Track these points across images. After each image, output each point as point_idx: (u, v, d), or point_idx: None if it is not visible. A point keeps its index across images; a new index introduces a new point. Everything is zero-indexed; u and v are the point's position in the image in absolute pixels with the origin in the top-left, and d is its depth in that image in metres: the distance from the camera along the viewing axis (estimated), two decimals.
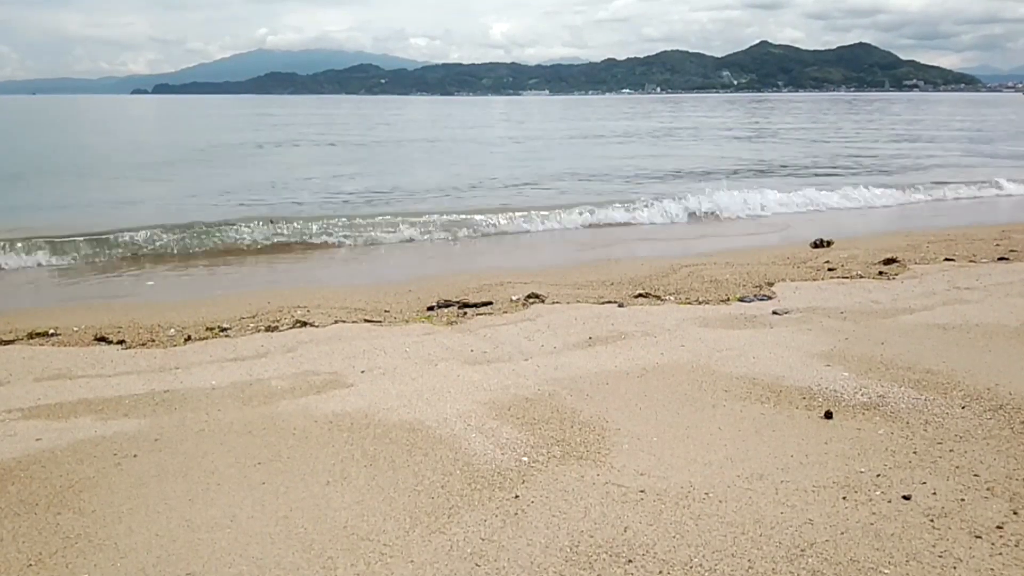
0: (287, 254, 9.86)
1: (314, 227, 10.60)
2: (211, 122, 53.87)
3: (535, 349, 5.17)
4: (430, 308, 6.61)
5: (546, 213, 11.65)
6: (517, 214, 11.50)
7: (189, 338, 5.66)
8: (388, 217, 11.04)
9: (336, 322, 6.04)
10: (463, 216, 11.23)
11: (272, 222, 10.50)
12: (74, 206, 13.14)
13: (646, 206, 12.11)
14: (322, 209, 12.66)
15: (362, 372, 4.73)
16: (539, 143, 30.73)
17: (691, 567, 2.62)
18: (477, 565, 2.66)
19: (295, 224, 10.65)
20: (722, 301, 6.58)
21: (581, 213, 11.74)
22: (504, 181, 16.84)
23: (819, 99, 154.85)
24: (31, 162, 21.67)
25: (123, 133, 38.78)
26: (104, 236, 9.62)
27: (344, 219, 11.03)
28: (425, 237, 10.50)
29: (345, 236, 10.35)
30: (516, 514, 2.99)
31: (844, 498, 3.07)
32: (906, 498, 3.06)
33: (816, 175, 18.38)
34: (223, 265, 9.21)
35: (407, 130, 41.93)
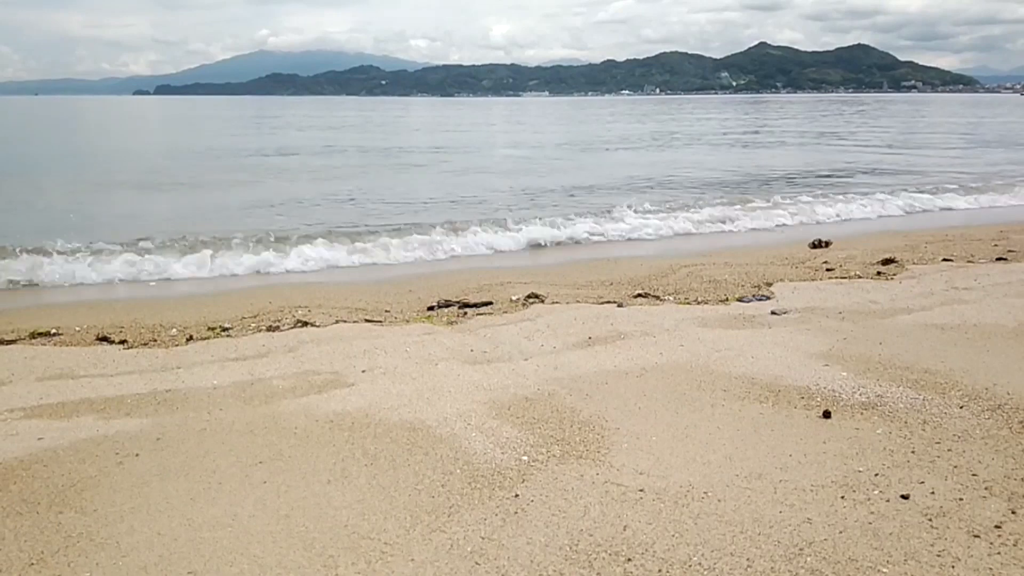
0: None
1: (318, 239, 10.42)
2: (212, 126, 51.11)
3: (535, 349, 5.19)
4: (430, 308, 6.62)
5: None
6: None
7: (191, 338, 5.68)
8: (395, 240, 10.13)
9: (337, 322, 6.06)
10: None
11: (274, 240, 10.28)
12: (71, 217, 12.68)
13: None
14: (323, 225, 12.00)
15: (363, 372, 4.75)
16: (550, 152, 28.24)
17: (690, 565, 2.64)
18: (477, 563, 2.68)
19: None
20: (721, 301, 6.60)
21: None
22: (507, 199, 15.19)
23: (821, 100, 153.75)
24: (31, 167, 21.50)
25: (123, 139, 37.02)
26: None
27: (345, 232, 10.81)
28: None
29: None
30: (516, 513, 3.01)
31: (842, 497, 3.08)
32: (904, 497, 3.07)
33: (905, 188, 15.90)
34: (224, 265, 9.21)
35: (410, 136, 39.76)
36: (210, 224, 11.29)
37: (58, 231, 9.76)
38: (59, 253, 8.71)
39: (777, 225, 12.08)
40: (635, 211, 12.24)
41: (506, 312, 6.34)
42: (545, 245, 10.29)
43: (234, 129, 46.10)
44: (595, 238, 10.75)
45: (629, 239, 10.89)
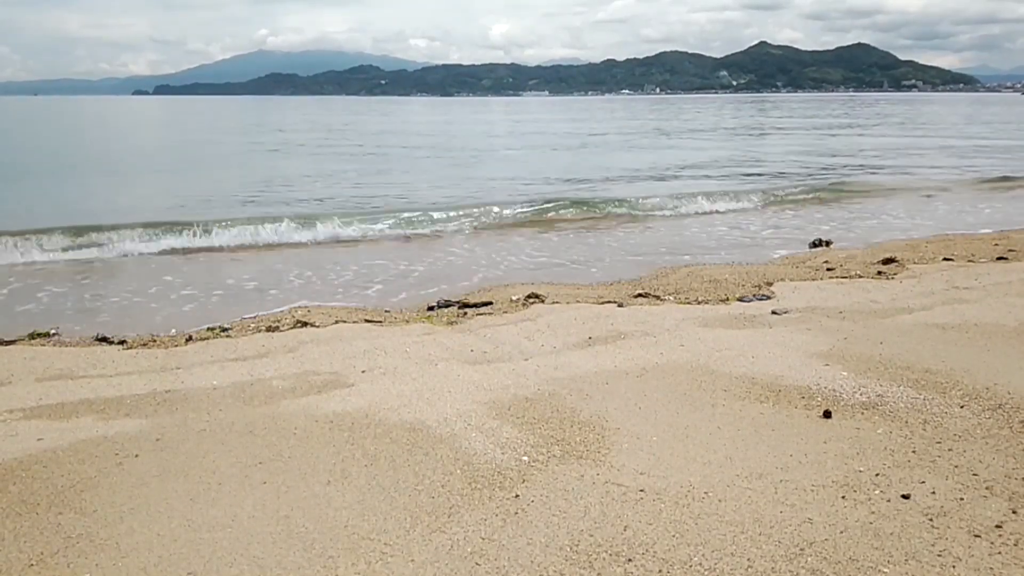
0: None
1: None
2: (208, 134, 40.56)
3: (535, 349, 5.18)
4: (430, 308, 6.62)
5: None
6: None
7: (190, 338, 5.67)
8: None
9: (337, 322, 6.05)
10: None
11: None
12: None
13: None
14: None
15: (363, 372, 4.74)
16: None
17: (691, 566, 2.63)
18: (477, 564, 2.67)
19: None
20: (721, 301, 6.59)
21: None
22: None
23: (833, 99, 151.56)
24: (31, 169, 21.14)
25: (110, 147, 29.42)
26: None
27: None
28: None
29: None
30: (516, 513, 3.00)
31: (843, 497, 3.08)
32: (905, 497, 3.07)
33: None
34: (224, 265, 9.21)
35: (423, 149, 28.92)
36: None
37: None
38: None
39: None
40: None
41: (506, 312, 6.33)
42: None
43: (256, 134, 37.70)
44: None
45: None
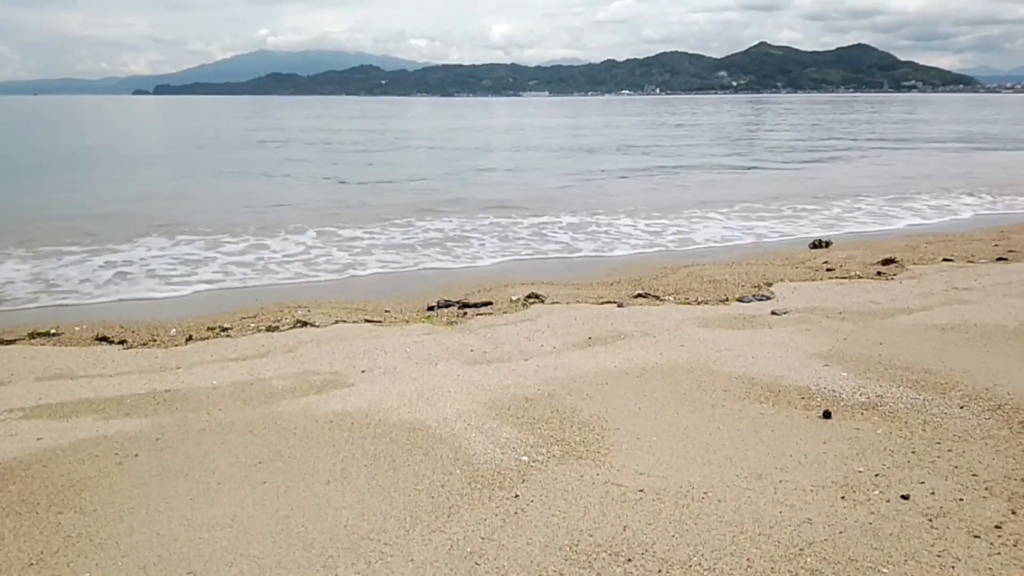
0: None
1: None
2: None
3: (535, 349, 5.18)
4: (430, 308, 6.62)
5: None
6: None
7: (190, 338, 5.67)
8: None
9: (337, 322, 6.05)
10: None
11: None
12: None
13: None
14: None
15: (362, 372, 4.74)
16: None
17: (690, 566, 2.64)
18: (477, 564, 2.67)
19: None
20: (721, 301, 6.59)
21: None
22: None
23: (839, 100, 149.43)
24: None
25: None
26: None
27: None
28: None
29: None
30: (516, 513, 3.00)
31: (843, 498, 3.08)
32: (904, 498, 3.07)
33: None
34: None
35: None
36: None
37: None
38: None
39: None
40: None
41: (506, 312, 6.34)
42: None
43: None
44: None
45: None
